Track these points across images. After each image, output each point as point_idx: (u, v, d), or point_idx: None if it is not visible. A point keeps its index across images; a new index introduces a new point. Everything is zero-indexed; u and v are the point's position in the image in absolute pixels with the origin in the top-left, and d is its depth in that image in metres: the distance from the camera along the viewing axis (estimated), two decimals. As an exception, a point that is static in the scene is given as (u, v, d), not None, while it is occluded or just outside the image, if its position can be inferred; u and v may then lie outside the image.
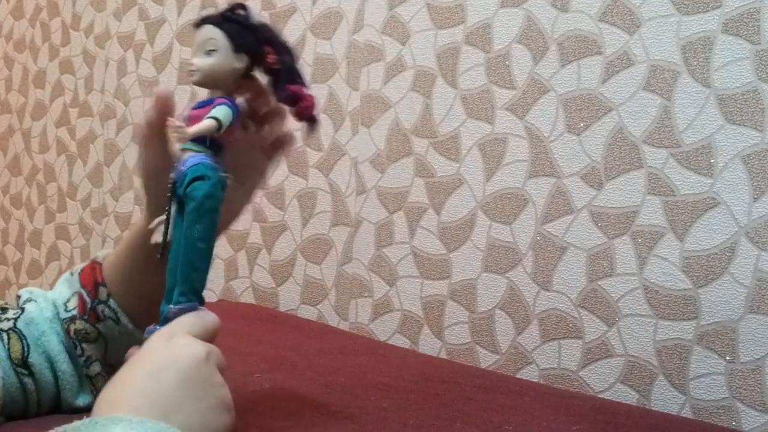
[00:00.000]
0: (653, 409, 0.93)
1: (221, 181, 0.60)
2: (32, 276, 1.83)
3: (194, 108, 0.63)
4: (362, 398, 0.80)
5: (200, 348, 0.55)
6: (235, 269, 1.36)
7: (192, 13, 1.46)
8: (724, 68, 0.89)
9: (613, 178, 0.97)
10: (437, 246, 1.12)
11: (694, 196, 0.91)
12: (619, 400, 0.94)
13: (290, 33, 1.30)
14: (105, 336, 0.71)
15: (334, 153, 1.24)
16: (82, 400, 0.71)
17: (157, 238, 0.62)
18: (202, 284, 0.60)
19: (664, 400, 0.93)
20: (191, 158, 0.61)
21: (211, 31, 0.62)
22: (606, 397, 0.95)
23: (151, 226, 0.62)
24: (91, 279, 0.71)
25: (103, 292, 0.71)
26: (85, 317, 0.70)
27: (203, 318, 0.59)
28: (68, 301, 0.71)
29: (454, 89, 1.11)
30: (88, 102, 1.68)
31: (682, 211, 0.92)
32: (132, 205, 1.58)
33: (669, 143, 0.93)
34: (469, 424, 0.74)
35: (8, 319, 0.70)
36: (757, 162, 0.88)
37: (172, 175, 0.61)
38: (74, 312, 0.71)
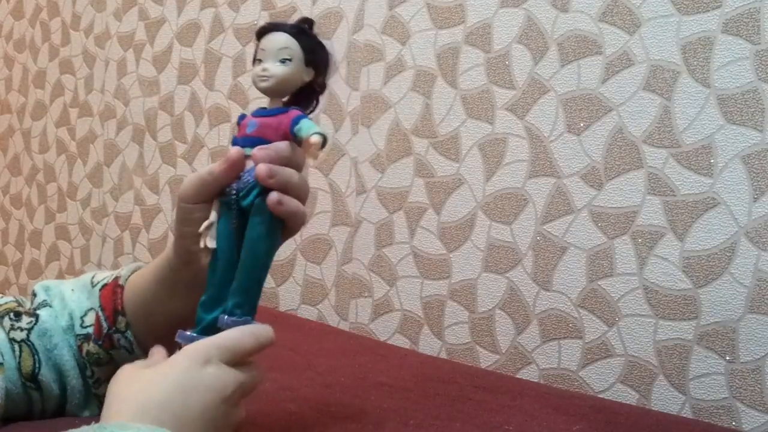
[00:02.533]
0: (653, 409, 0.93)
1: None
2: (32, 276, 1.83)
3: (261, 116, 0.63)
4: (362, 398, 0.80)
5: (229, 383, 0.57)
6: (235, 269, 1.36)
7: (192, 13, 1.46)
8: (724, 68, 0.89)
9: (613, 178, 0.97)
10: (437, 246, 1.12)
11: (694, 196, 0.91)
12: (619, 400, 0.94)
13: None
14: (117, 361, 0.70)
15: (334, 153, 1.24)
16: (88, 413, 0.71)
17: (211, 243, 0.61)
18: (259, 299, 0.61)
19: (664, 400, 0.93)
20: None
21: (288, 41, 0.62)
22: (606, 397, 0.95)
23: (201, 230, 0.62)
24: (111, 303, 0.70)
25: (121, 322, 0.70)
26: (100, 342, 0.70)
27: (239, 341, 0.59)
28: (85, 315, 0.71)
29: (454, 89, 1.11)
30: (88, 102, 1.68)
31: (682, 211, 0.92)
32: (132, 205, 1.58)
33: (669, 143, 0.93)
34: (469, 424, 0.74)
35: (21, 329, 0.69)
36: (757, 162, 0.88)
37: (233, 185, 0.61)
38: (89, 330, 0.70)
